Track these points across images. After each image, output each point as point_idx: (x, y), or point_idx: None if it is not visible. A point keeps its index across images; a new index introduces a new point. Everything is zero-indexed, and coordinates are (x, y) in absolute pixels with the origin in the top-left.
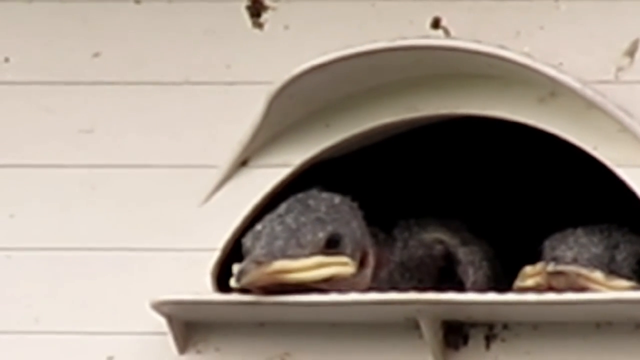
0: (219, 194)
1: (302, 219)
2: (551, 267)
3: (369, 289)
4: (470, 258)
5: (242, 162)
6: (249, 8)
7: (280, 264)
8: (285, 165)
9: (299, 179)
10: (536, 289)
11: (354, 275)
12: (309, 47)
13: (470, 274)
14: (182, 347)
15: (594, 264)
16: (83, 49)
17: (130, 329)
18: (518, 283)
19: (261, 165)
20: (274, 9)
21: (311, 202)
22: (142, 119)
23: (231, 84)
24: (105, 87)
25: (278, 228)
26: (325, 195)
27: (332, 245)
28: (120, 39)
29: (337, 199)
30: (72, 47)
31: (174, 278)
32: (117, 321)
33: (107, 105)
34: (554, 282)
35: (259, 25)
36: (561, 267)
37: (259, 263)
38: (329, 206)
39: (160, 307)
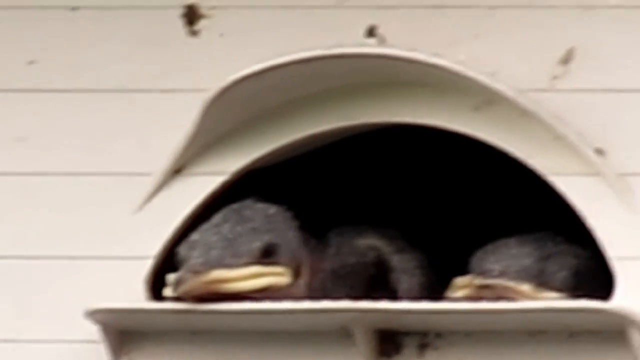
0: (154, 202)
1: (238, 228)
2: (478, 280)
3: (302, 297)
4: (403, 266)
5: (177, 170)
6: (184, 16)
7: (217, 274)
8: (219, 173)
9: (234, 186)
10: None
11: (289, 286)
12: (244, 54)
13: (403, 282)
14: (116, 355)
15: (522, 276)
16: (18, 56)
17: (65, 337)
18: (449, 294)
19: (196, 173)
20: (209, 16)
21: (246, 212)
22: (77, 127)
23: (166, 91)
24: (40, 94)
25: (214, 238)
26: (260, 205)
27: (267, 255)
28: (56, 46)
29: (272, 209)
30: (6, 55)
31: (108, 286)
32: (51, 329)
33: (42, 113)
34: (482, 295)
35: (194, 33)
36: (488, 281)
37: (195, 272)
38: (264, 216)
39: (94, 315)
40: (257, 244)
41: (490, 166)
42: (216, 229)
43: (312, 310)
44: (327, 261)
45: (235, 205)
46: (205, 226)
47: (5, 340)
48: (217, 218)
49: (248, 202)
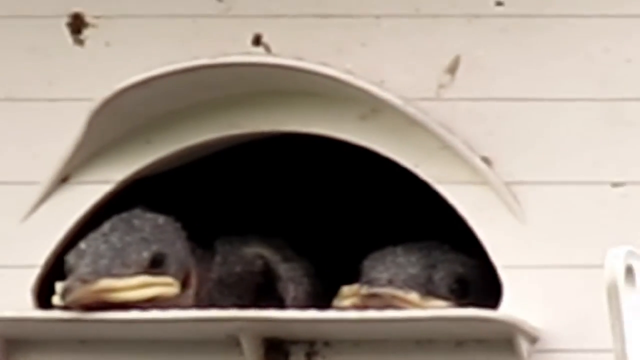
0: (40, 211)
1: (127, 238)
2: (365, 289)
3: (190, 307)
4: (291, 274)
5: (63, 179)
6: (69, 25)
7: (105, 283)
8: (106, 182)
9: (121, 195)
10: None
11: (177, 296)
12: (130, 63)
13: (290, 290)
14: None
15: (409, 284)
16: None
17: None
18: (336, 303)
19: (82, 182)
20: (94, 25)
21: (135, 221)
22: None
23: (53, 100)
24: None
25: (103, 247)
26: (149, 215)
27: (156, 265)
28: None
29: (161, 219)
30: None
31: None
32: None
33: None
34: (370, 304)
35: (79, 42)
36: (375, 290)
37: (84, 281)
38: (153, 226)
39: None
40: (145, 254)
41: (378, 174)
42: (105, 237)
43: (199, 319)
44: (213, 270)
45: (124, 215)
46: (93, 235)
47: None
48: (105, 227)
49: (137, 212)
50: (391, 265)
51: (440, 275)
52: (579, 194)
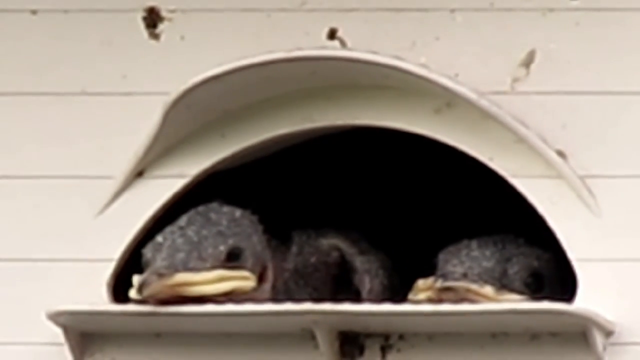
0: (115, 205)
1: (204, 232)
2: (439, 283)
3: (266, 298)
4: (367, 267)
5: (138, 173)
6: (145, 19)
7: (181, 277)
8: (181, 176)
9: (196, 189)
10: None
11: (254, 290)
12: (205, 57)
13: (366, 283)
14: (78, 357)
15: (484, 278)
16: None
17: (26, 340)
18: (411, 296)
19: (157, 176)
20: (170, 19)
21: (212, 215)
22: (38, 130)
23: (127, 94)
24: (0, 97)
25: (179, 240)
26: (226, 208)
27: (233, 259)
28: (16, 49)
29: (237, 212)
30: None
31: (70, 288)
32: (12, 331)
33: (3, 115)
34: (444, 297)
35: (155, 36)
36: (449, 284)
37: (160, 275)
38: (230, 220)
39: (56, 317)
40: (222, 248)
41: (452, 168)
42: (182, 231)
43: (275, 313)
44: (289, 261)
45: (200, 208)
46: (170, 228)
47: None
48: (182, 220)
49: (214, 205)
50: (466, 259)
51: (515, 269)
52: None
